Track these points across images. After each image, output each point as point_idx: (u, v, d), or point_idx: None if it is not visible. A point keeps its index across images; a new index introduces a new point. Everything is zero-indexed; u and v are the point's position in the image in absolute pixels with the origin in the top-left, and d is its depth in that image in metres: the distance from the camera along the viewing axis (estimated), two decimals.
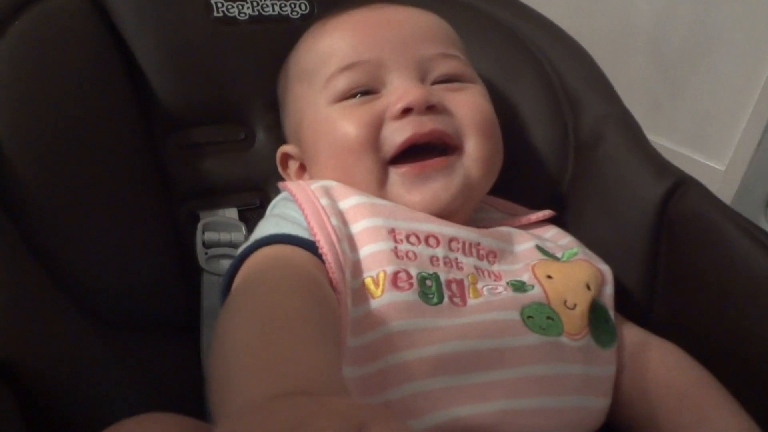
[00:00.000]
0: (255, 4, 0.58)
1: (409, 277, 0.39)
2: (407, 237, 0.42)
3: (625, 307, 0.49)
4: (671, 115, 1.56)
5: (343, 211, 0.43)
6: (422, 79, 0.47)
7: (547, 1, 1.65)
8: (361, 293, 0.39)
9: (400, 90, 0.46)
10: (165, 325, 0.47)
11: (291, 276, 0.36)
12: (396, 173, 0.45)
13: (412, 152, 0.45)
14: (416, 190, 0.45)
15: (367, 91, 0.47)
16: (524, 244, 0.48)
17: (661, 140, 1.59)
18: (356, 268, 0.40)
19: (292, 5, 0.59)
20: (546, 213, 0.53)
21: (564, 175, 0.56)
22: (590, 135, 0.54)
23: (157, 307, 0.48)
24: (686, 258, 0.47)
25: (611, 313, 0.45)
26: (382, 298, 0.38)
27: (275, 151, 0.55)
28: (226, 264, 0.50)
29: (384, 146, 0.45)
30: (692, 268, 0.47)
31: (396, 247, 0.41)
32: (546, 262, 0.45)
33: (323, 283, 0.37)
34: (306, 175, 0.52)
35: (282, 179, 0.55)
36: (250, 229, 0.54)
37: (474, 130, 0.46)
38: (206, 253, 0.52)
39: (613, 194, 0.52)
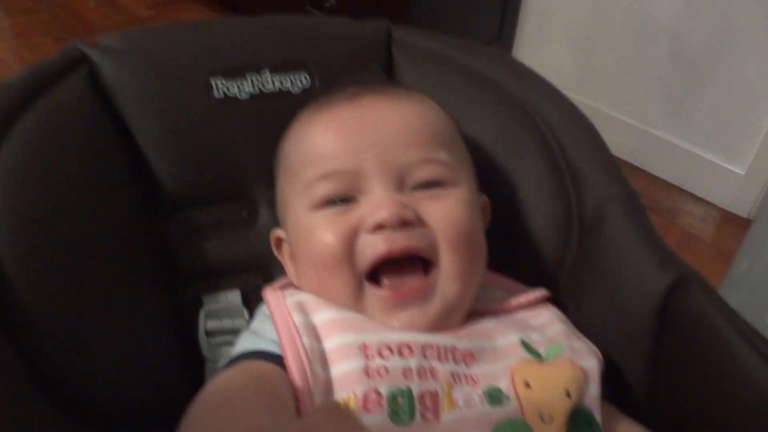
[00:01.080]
0: (255, 81, 0.57)
1: (379, 397, 0.40)
2: (379, 351, 0.42)
3: (625, 398, 0.49)
4: (690, 115, 1.53)
5: (316, 326, 0.44)
6: (401, 186, 0.47)
7: (568, 2, 1.62)
8: None
9: (375, 202, 0.46)
10: (169, 419, 0.49)
11: (254, 391, 0.38)
12: (373, 294, 0.46)
13: (389, 263, 0.45)
14: (394, 316, 0.45)
15: (345, 198, 0.47)
16: (508, 336, 0.47)
17: (678, 140, 1.56)
18: (328, 388, 0.41)
19: (292, 79, 0.59)
20: (538, 294, 0.52)
21: (566, 254, 0.56)
22: (593, 216, 0.54)
23: (160, 403, 0.49)
24: (687, 356, 0.47)
25: (596, 414, 0.45)
26: None
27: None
28: (228, 352, 0.52)
29: (359, 259, 0.45)
30: (692, 367, 0.47)
31: (367, 366, 0.41)
32: (526, 365, 0.45)
33: (286, 398, 0.39)
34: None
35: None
36: (252, 312, 0.56)
37: (448, 245, 0.46)
38: (209, 342, 0.53)
39: (614, 281, 0.51)
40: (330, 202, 0.47)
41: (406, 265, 0.46)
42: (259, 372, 0.41)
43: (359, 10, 1.57)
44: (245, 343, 0.46)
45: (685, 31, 1.45)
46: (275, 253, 0.55)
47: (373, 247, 0.45)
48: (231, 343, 0.53)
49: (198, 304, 0.56)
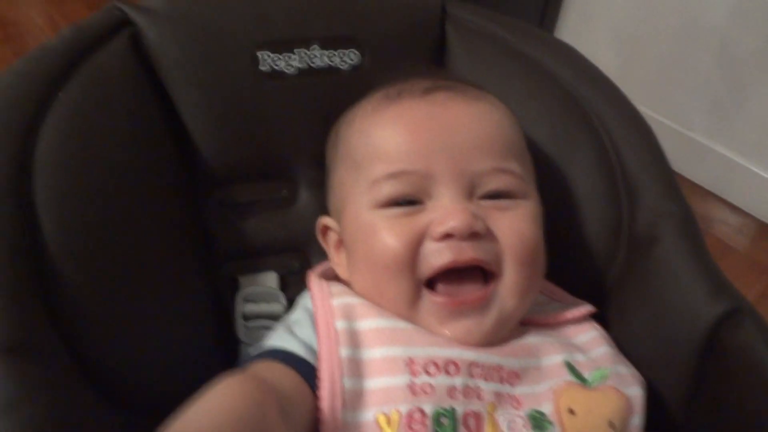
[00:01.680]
0: (303, 56, 0.55)
1: (424, 416, 0.39)
2: (425, 367, 0.40)
3: (660, 421, 0.47)
4: (733, 122, 1.48)
5: (361, 333, 0.42)
6: (470, 194, 0.45)
7: None
8: (369, 429, 0.38)
9: (444, 209, 0.43)
10: None
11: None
12: (430, 300, 0.43)
13: (449, 271, 0.43)
14: (449, 324, 0.43)
15: (412, 201, 0.44)
16: (552, 357, 0.45)
17: (719, 147, 1.51)
18: (365, 400, 0.39)
19: (341, 55, 0.56)
20: (584, 310, 0.50)
21: (613, 265, 0.53)
22: (646, 232, 0.51)
23: (196, 387, 0.47)
24: (729, 391, 0.45)
25: None
26: None
27: (317, 210, 0.54)
28: (264, 335, 0.50)
29: (421, 265, 0.43)
30: (733, 403, 0.44)
31: (412, 382, 0.40)
32: (571, 389, 0.43)
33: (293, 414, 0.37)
34: (343, 250, 0.50)
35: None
36: (290, 295, 0.54)
37: (514, 259, 0.44)
38: (246, 326, 0.51)
39: (663, 303, 0.48)
40: (395, 202, 0.45)
41: (465, 273, 0.43)
42: (275, 384, 0.38)
43: None
44: (276, 338, 0.44)
45: (734, 35, 1.40)
46: (320, 240, 0.53)
47: (438, 255, 0.43)
48: (267, 327, 0.52)
49: (234, 284, 0.54)
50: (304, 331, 0.44)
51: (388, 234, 0.43)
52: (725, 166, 1.51)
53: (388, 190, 0.44)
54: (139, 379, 0.44)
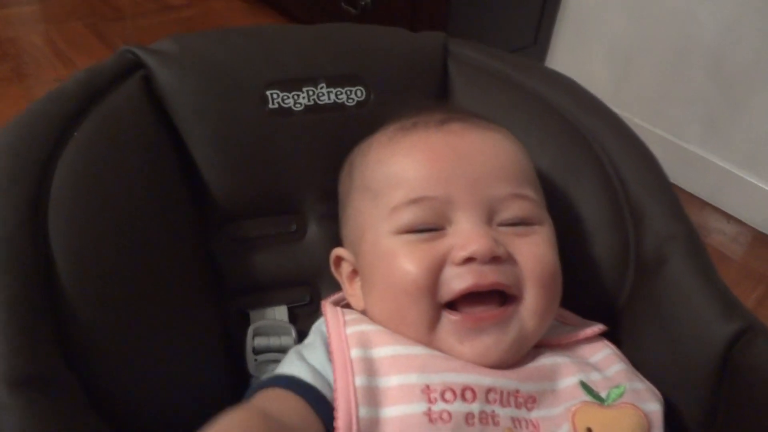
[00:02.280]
0: (311, 93, 0.56)
1: None
2: (442, 394, 0.41)
3: None
4: (728, 134, 1.50)
5: (375, 360, 0.42)
6: (489, 220, 0.46)
7: (606, 12, 1.59)
8: None
9: (465, 234, 0.44)
10: None
11: None
12: (449, 320, 0.44)
13: (468, 295, 0.44)
14: (468, 342, 0.44)
15: (432, 228, 0.45)
16: (568, 379, 0.46)
17: (714, 158, 1.53)
18: (381, 428, 0.40)
19: (348, 92, 0.57)
20: (597, 328, 0.51)
21: (622, 288, 0.54)
22: (653, 255, 0.52)
23: (203, 419, 0.49)
24: (746, 409, 0.45)
25: None
26: None
27: (326, 244, 0.55)
28: (275, 369, 0.51)
29: (441, 289, 0.44)
30: (752, 420, 0.45)
31: (430, 409, 0.40)
32: (588, 408, 0.44)
33: None
34: (357, 280, 0.51)
35: (331, 271, 0.54)
36: (300, 328, 0.55)
37: (534, 282, 0.45)
38: (256, 360, 0.52)
39: (675, 324, 0.49)
40: (416, 229, 0.45)
41: (484, 299, 0.44)
42: (285, 417, 0.39)
43: (395, 8, 1.56)
44: (287, 364, 0.45)
45: (728, 49, 1.42)
46: (333, 272, 0.53)
47: (459, 279, 0.43)
48: (277, 361, 0.52)
49: (244, 319, 0.55)
50: (316, 356, 0.44)
51: (408, 259, 0.44)
52: (720, 177, 1.53)
53: (409, 216, 0.45)
54: (150, 413, 0.45)
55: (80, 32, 1.90)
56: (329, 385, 0.42)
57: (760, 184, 1.48)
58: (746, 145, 1.48)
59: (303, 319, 0.56)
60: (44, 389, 0.36)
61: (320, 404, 0.41)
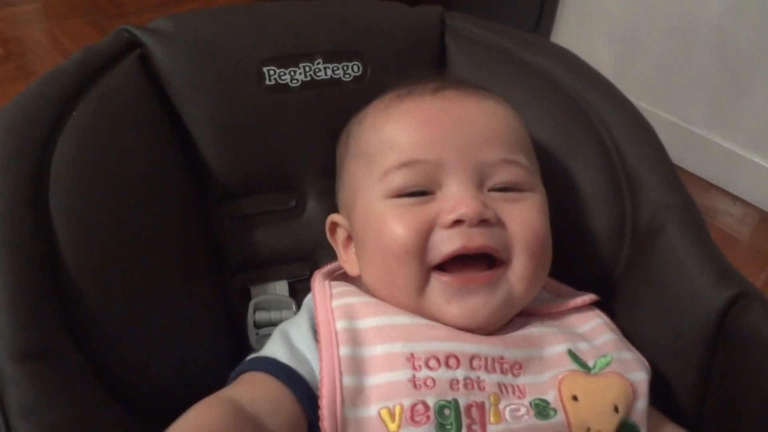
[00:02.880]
0: (307, 69, 0.56)
1: (427, 408, 0.40)
2: (426, 361, 0.41)
3: (673, 410, 0.48)
4: (733, 115, 1.48)
5: (360, 331, 0.43)
6: (480, 185, 0.46)
7: None
8: (372, 423, 0.40)
9: (455, 198, 0.44)
10: None
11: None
12: (438, 280, 0.44)
13: (457, 259, 0.44)
14: (456, 302, 0.44)
15: (423, 191, 0.46)
16: (555, 346, 0.46)
17: (720, 140, 1.52)
18: (366, 396, 0.40)
19: (345, 68, 0.57)
20: (587, 298, 0.51)
21: (618, 260, 0.54)
22: (649, 224, 0.52)
23: (208, 394, 0.49)
24: (740, 373, 0.46)
25: (643, 429, 0.44)
26: None
27: (325, 219, 0.55)
28: None
29: (430, 252, 0.44)
30: (745, 384, 0.45)
31: (414, 376, 0.41)
32: (574, 377, 0.44)
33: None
34: (352, 246, 0.52)
35: (330, 245, 0.55)
36: (299, 302, 0.55)
37: (523, 248, 0.45)
38: (257, 333, 0.53)
39: (669, 293, 0.49)
40: (406, 192, 0.46)
41: (473, 262, 0.45)
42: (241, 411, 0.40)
43: None
44: (271, 345, 0.46)
45: (732, 29, 1.41)
46: (329, 238, 0.54)
47: (448, 241, 0.44)
48: None
49: (245, 294, 0.56)
50: (300, 332, 0.45)
51: (398, 223, 0.45)
52: (726, 158, 1.52)
53: (400, 179, 0.46)
54: (154, 386, 0.46)
55: (83, 29, 1.91)
56: (307, 361, 0.43)
57: (766, 164, 1.47)
58: (752, 126, 1.47)
59: (303, 293, 0.56)
60: (50, 363, 0.37)
61: (294, 382, 0.41)
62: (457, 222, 0.44)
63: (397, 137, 0.47)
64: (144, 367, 0.45)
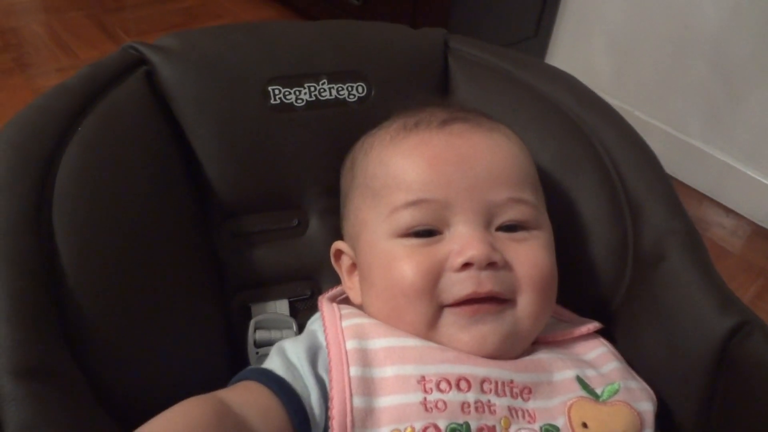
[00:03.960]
0: (312, 89, 0.57)
1: (438, 431, 0.40)
2: (437, 384, 0.42)
3: None
4: (729, 127, 1.50)
5: (371, 352, 0.43)
6: (487, 225, 0.46)
7: (607, 4, 1.59)
8: None
9: (463, 239, 0.45)
10: None
11: None
12: (450, 312, 0.45)
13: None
14: (467, 330, 0.45)
15: (430, 230, 0.46)
16: (564, 372, 0.47)
17: (714, 151, 1.53)
18: (376, 417, 0.41)
19: (349, 89, 0.58)
20: (592, 326, 0.52)
21: (620, 285, 0.55)
22: (651, 250, 0.52)
23: None
24: (743, 402, 0.46)
25: None
26: None
27: (327, 239, 0.56)
28: None
29: (442, 295, 0.45)
30: (748, 414, 0.46)
31: (425, 399, 0.41)
32: (583, 404, 0.45)
33: None
34: (356, 274, 0.52)
35: (331, 266, 0.55)
36: (301, 322, 0.56)
37: (530, 288, 0.46)
38: (257, 353, 0.53)
39: (672, 319, 0.50)
40: (414, 231, 0.46)
41: (481, 300, 0.45)
42: (207, 417, 0.39)
43: (396, 3, 1.56)
44: (267, 360, 0.46)
45: (730, 40, 1.42)
46: (333, 264, 0.54)
47: (459, 286, 0.44)
48: None
49: (246, 312, 0.56)
50: (296, 349, 0.45)
51: (408, 264, 0.45)
52: (720, 170, 1.54)
53: (407, 218, 0.46)
54: (153, 405, 0.45)
55: (81, 22, 1.90)
56: (302, 378, 0.43)
57: (760, 178, 1.48)
58: (746, 138, 1.48)
59: (304, 313, 0.57)
60: (49, 381, 0.37)
61: (287, 395, 0.42)
62: (466, 265, 0.44)
63: (404, 175, 0.47)
64: (143, 385, 0.45)
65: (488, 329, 0.45)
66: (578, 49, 1.72)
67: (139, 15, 1.98)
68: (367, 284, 0.49)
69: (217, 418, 0.38)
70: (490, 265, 0.44)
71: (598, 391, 0.46)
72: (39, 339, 0.38)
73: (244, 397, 0.41)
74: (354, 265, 0.52)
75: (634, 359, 0.51)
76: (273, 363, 0.45)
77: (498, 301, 0.46)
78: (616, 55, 1.65)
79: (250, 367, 0.45)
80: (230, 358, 0.53)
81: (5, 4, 1.95)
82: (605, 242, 0.55)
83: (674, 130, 1.59)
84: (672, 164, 1.60)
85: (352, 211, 0.52)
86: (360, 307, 0.50)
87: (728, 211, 1.56)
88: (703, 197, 1.59)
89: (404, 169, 0.48)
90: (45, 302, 0.40)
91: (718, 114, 1.51)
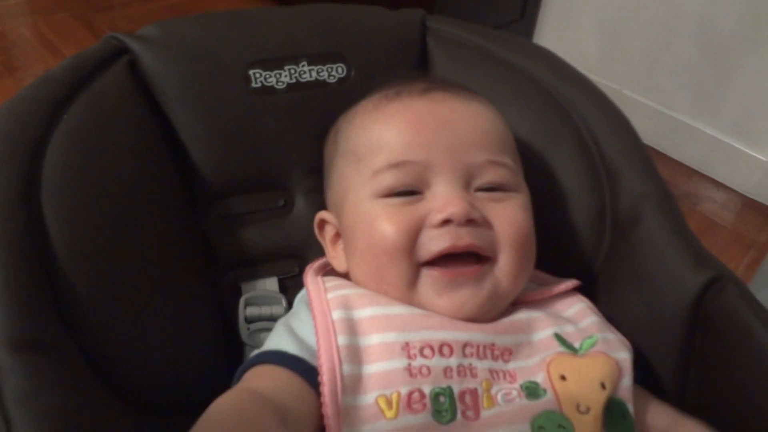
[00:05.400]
0: (292, 71, 0.58)
1: (423, 396, 0.41)
2: (421, 350, 0.43)
3: (656, 391, 0.50)
4: (717, 103, 1.51)
5: (357, 321, 0.44)
6: (467, 185, 0.48)
7: None
8: (370, 411, 0.41)
9: (443, 198, 0.46)
10: (209, 404, 0.49)
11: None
12: (428, 275, 0.46)
13: (445, 256, 0.46)
14: (445, 295, 0.46)
15: (411, 191, 0.47)
16: (543, 331, 0.48)
17: (703, 126, 1.55)
18: (364, 384, 0.42)
19: (329, 70, 0.59)
20: (570, 284, 0.53)
21: (600, 250, 0.56)
22: (628, 214, 0.54)
23: (202, 387, 0.50)
24: (718, 354, 0.48)
25: (630, 406, 0.46)
26: (396, 421, 0.40)
27: (312, 217, 0.57)
28: (267, 338, 0.53)
29: (420, 250, 0.46)
30: (724, 365, 0.47)
31: (410, 365, 0.42)
32: (562, 358, 0.46)
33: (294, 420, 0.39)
34: (340, 242, 0.53)
35: (319, 242, 0.56)
36: (290, 299, 0.57)
37: (509, 246, 0.47)
38: (248, 328, 0.54)
39: (648, 279, 0.52)
40: (396, 192, 0.47)
41: (460, 260, 0.46)
42: (275, 393, 0.40)
43: None
44: (276, 339, 0.46)
45: (714, 17, 1.43)
46: (317, 234, 0.55)
47: (437, 240, 0.46)
48: (269, 330, 0.54)
49: (236, 291, 0.57)
50: (303, 325, 0.46)
51: (388, 222, 0.46)
52: (709, 145, 1.55)
53: (389, 179, 0.47)
54: (146, 378, 0.47)
55: (69, 23, 1.90)
56: (315, 354, 0.44)
57: (749, 151, 1.50)
58: (734, 112, 1.49)
59: (293, 290, 0.58)
60: (45, 353, 0.38)
61: (311, 375, 0.42)
62: (446, 221, 0.45)
63: (386, 138, 0.49)
64: (136, 359, 0.47)
65: (467, 294, 0.46)
66: (565, 30, 1.73)
67: (126, 13, 1.98)
68: (351, 248, 0.50)
69: (263, 409, 0.38)
70: (470, 222, 0.46)
71: (576, 345, 0.48)
72: (33, 313, 0.39)
73: (274, 385, 0.42)
74: (338, 235, 0.53)
75: (614, 318, 0.52)
76: (284, 343, 0.45)
77: (477, 260, 0.47)
78: (603, 36, 1.66)
79: (261, 350, 0.46)
80: (222, 333, 0.55)
81: None
82: (585, 209, 0.57)
83: (663, 107, 1.60)
84: (661, 141, 1.61)
85: (336, 179, 0.53)
86: (344, 275, 0.51)
87: (718, 185, 1.57)
88: (693, 172, 1.60)
89: (386, 133, 0.49)
90: (37, 280, 0.41)
91: (705, 90, 1.52)
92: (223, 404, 0.38)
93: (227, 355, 0.54)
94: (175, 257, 0.52)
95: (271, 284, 0.58)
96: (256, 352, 0.46)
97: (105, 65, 0.53)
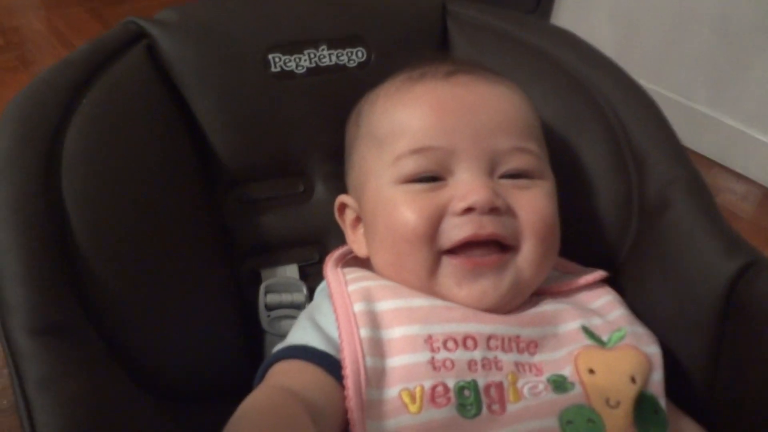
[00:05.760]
0: (312, 56, 0.57)
1: (447, 390, 0.40)
2: (444, 343, 0.42)
3: (685, 385, 0.49)
4: (735, 93, 1.48)
5: (379, 314, 0.43)
6: (491, 172, 0.47)
7: None
8: (394, 405, 0.40)
9: (466, 185, 0.45)
10: (228, 391, 0.47)
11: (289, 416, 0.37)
12: (449, 263, 0.45)
13: (467, 244, 0.45)
14: (466, 285, 0.45)
15: (434, 177, 0.46)
16: (569, 323, 0.47)
17: (722, 117, 1.52)
18: (385, 378, 0.41)
19: (349, 54, 0.58)
20: (597, 275, 0.52)
21: (626, 237, 0.55)
22: (656, 199, 0.52)
23: (221, 375, 0.50)
24: (752, 342, 0.46)
25: (661, 401, 0.44)
26: (420, 415, 0.39)
27: (332, 203, 0.56)
28: (287, 325, 0.52)
29: (441, 238, 0.45)
30: (758, 354, 0.46)
31: (433, 358, 0.41)
32: (590, 351, 0.45)
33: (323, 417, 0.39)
34: (360, 227, 0.52)
35: (339, 228, 0.56)
36: (310, 286, 0.57)
37: (532, 234, 0.46)
38: (269, 315, 0.54)
39: (678, 266, 0.50)
40: (418, 178, 0.46)
41: (483, 248, 0.45)
42: (301, 388, 0.40)
43: None
44: (300, 332, 0.45)
45: (732, 6, 1.40)
46: (337, 219, 0.55)
47: (459, 228, 0.44)
48: (289, 317, 0.54)
49: (256, 278, 0.57)
50: (326, 320, 0.45)
51: (409, 209, 0.45)
52: (729, 136, 1.52)
53: (412, 165, 0.46)
54: (165, 364, 0.47)
55: (82, 17, 1.91)
56: (339, 347, 0.43)
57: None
58: (754, 102, 1.47)
59: (313, 277, 0.58)
60: (65, 337, 0.38)
61: (336, 369, 0.41)
62: (468, 209, 0.44)
63: (409, 123, 0.47)
64: (155, 344, 0.46)
65: (488, 284, 0.45)
66: (580, 21, 1.71)
67: (138, 6, 1.99)
68: (371, 233, 0.49)
69: (295, 405, 0.38)
70: (493, 210, 0.44)
71: (605, 338, 0.46)
72: (53, 299, 0.39)
73: (303, 381, 0.41)
74: (358, 219, 0.52)
75: (643, 311, 0.51)
76: (309, 337, 0.44)
77: (500, 248, 0.46)
78: (619, 26, 1.63)
79: (285, 345, 0.45)
80: (241, 320, 0.54)
81: (5, 2, 1.96)
82: (611, 195, 0.55)
83: (681, 98, 1.58)
84: (679, 131, 1.57)
85: (357, 162, 0.52)
86: (365, 260, 0.50)
87: (738, 177, 1.54)
88: (712, 163, 1.58)
89: (409, 118, 0.48)
90: (58, 265, 0.41)
91: (724, 79, 1.49)
92: (258, 402, 0.38)
93: (247, 342, 0.53)
94: (194, 243, 0.52)
95: (291, 271, 0.58)
96: (280, 346, 0.45)
97: (123, 50, 0.53)
